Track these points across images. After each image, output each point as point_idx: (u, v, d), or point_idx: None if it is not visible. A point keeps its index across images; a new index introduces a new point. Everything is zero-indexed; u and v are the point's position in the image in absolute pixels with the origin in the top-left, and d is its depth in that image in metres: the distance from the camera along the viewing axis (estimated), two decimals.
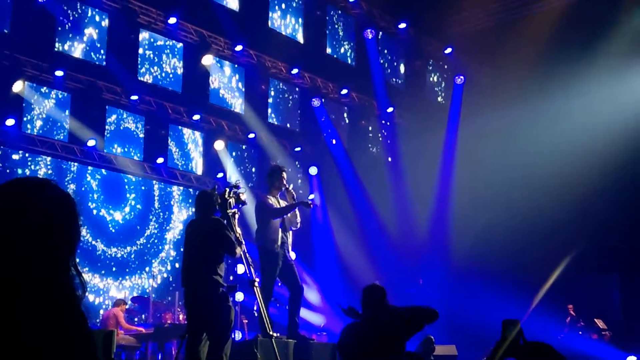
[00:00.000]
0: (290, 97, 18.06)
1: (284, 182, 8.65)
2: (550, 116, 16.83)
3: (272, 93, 17.57)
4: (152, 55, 15.32)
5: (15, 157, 13.45)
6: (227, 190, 7.28)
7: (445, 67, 20.85)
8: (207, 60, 15.50)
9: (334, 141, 17.77)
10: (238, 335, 12.04)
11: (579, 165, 15.76)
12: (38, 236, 1.69)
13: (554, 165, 16.17)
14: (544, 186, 16.24)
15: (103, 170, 14.65)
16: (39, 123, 13.54)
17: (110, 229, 14.70)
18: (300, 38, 18.02)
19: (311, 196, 8.64)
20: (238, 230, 7.04)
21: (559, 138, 16.36)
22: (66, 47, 13.93)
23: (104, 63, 14.37)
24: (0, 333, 1.59)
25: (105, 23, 14.53)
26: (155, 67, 15.36)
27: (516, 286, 15.59)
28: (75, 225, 1.77)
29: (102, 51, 14.45)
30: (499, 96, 17.22)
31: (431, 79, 20.94)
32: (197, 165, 16.12)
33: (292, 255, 8.70)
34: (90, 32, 14.31)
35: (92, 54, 14.35)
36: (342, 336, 5.87)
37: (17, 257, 1.66)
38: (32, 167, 13.62)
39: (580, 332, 15.03)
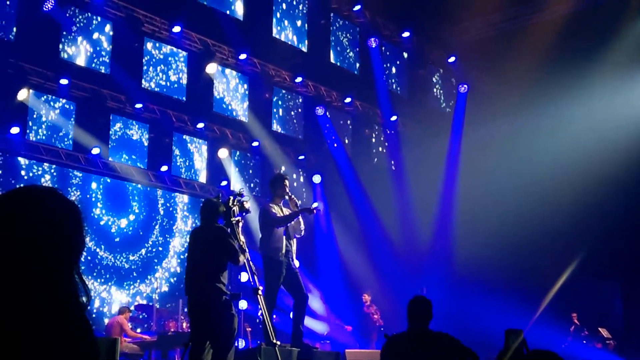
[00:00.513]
0: (294, 106, 18.09)
1: (287, 190, 8.66)
2: (552, 124, 16.84)
3: (276, 102, 17.60)
4: (156, 64, 15.37)
5: (19, 164, 13.49)
6: (231, 198, 7.30)
7: (449, 75, 20.87)
8: (211, 68, 15.53)
9: (335, 145, 17.77)
10: (241, 344, 12.03)
11: (581, 173, 15.75)
12: (42, 241, 1.70)
13: (557, 173, 16.16)
14: (547, 194, 16.23)
15: (107, 179, 14.67)
16: (43, 131, 13.58)
17: (114, 237, 14.72)
18: (304, 47, 18.06)
19: (315, 204, 8.59)
20: (242, 238, 7.05)
21: (562, 146, 16.36)
22: (71, 55, 13.98)
23: (109, 71, 14.41)
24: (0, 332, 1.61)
25: (109, 32, 14.59)
26: (160, 76, 15.41)
27: (519, 294, 15.57)
28: (80, 233, 1.79)
29: (106, 60, 14.49)
30: (502, 105, 17.24)
31: (434, 87, 20.97)
32: (201, 174, 16.15)
33: (296, 263, 8.71)
34: (94, 40, 14.36)
35: (96, 62, 14.39)
36: (386, 347, 5.78)
37: (19, 259, 1.67)
38: (37, 174, 13.65)
39: (584, 341, 14.98)
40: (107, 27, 14.59)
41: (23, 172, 13.50)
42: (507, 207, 16.57)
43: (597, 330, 15.11)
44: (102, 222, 14.53)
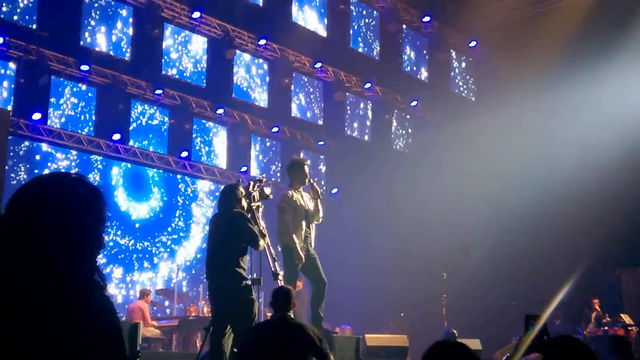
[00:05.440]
0: (314, 91, 18.05)
1: (307, 176, 8.59)
2: (575, 109, 16.65)
3: (296, 87, 17.57)
4: (176, 50, 15.39)
5: (41, 150, 13.60)
6: (252, 184, 7.33)
7: (470, 60, 20.72)
8: (231, 54, 15.54)
9: (355, 133, 17.73)
10: None
11: (604, 158, 15.58)
12: (68, 226, 1.73)
13: (579, 158, 16.00)
14: (571, 178, 16.05)
15: (128, 164, 14.77)
16: (64, 117, 13.67)
17: (135, 222, 14.81)
18: (323, 32, 17.99)
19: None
20: (262, 223, 7.07)
21: (585, 130, 16.16)
22: (91, 41, 14.04)
23: (129, 57, 14.47)
24: (21, 312, 1.63)
25: (130, 17, 14.62)
26: (179, 61, 15.43)
27: (540, 280, 15.46)
28: (104, 219, 1.81)
29: (126, 45, 14.54)
30: (524, 90, 17.08)
31: (455, 72, 20.82)
32: (221, 159, 16.19)
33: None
34: (115, 26, 14.41)
35: (117, 48, 14.44)
36: (247, 334, 5.85)
37: (45, 244, 1.70)
38: (58, 160, 13.76)
39: (606, 328, 14.86)
40: (128, 13, 14.62)
41: (44, 158, 13.60)
42: (530, 191, 16.44)
43: (619, 317, 14.96)
44: (122, 208, 14.63)
